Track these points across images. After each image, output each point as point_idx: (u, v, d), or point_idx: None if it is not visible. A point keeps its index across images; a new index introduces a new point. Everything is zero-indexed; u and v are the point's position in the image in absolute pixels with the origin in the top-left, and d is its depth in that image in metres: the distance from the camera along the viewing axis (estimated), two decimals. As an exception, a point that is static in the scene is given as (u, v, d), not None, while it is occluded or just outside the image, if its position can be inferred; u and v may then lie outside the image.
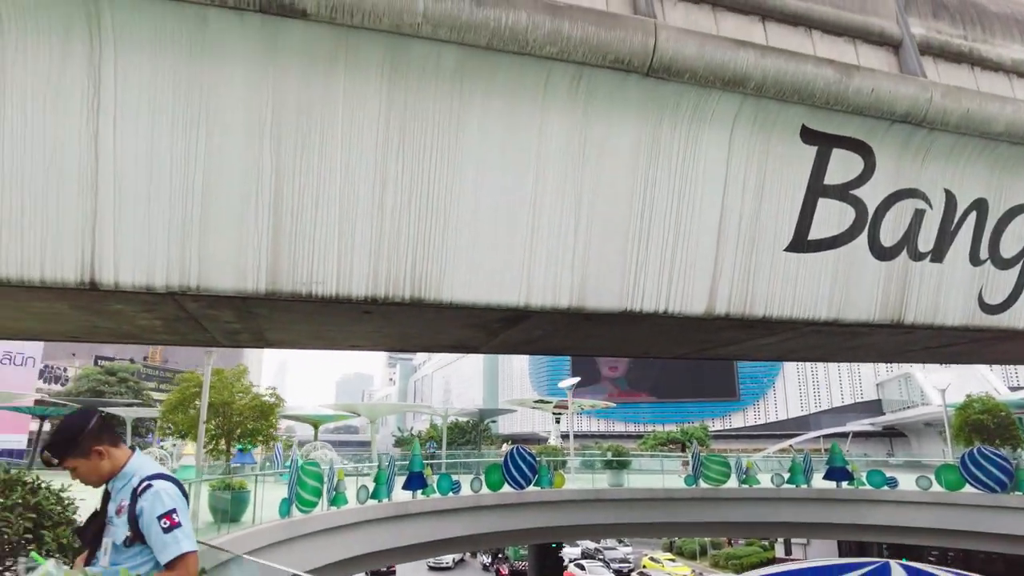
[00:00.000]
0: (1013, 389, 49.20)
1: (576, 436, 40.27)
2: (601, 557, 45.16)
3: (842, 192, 6.65)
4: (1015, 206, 7.29)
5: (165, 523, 2.39)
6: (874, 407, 66.20)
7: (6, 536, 2.65)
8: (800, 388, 71.90)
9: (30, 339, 7.94)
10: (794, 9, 6.51)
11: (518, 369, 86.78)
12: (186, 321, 6.37)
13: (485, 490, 19.30)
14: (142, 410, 35.89)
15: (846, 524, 22.34)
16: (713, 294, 6.29)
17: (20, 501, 2.89)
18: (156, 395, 47.21)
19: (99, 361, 54.63)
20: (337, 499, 15.04)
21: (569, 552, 41.51)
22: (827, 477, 22.15)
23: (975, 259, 7.25)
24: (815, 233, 6.62)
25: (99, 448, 2.54)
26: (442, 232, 5.46)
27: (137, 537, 2.40)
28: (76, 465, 2.44)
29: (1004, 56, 7.39)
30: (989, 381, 47.25)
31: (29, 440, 41.86)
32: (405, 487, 17.40)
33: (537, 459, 20.32)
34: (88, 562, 2.60)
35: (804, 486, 22.26)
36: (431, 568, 46.97)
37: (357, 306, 5.61)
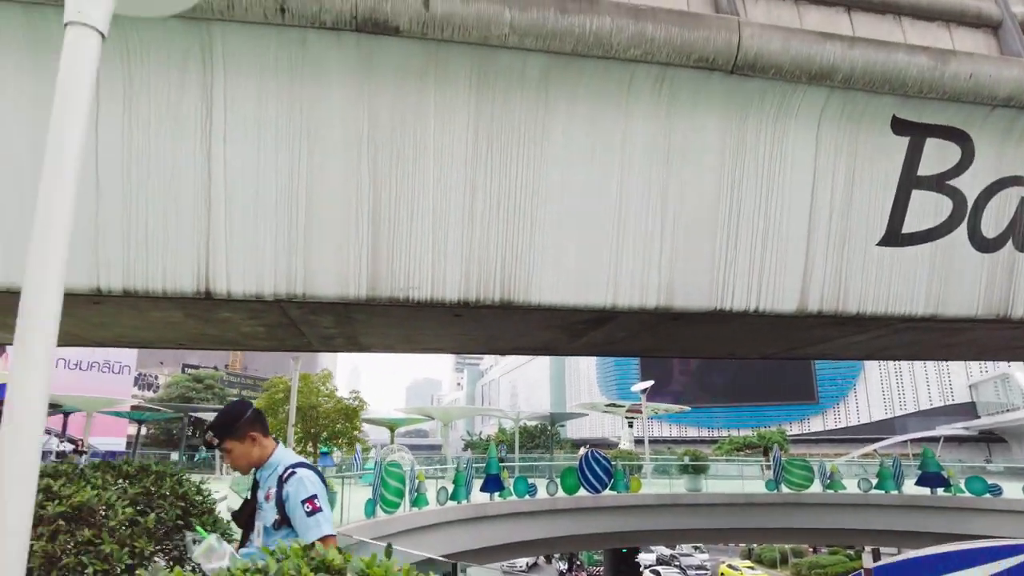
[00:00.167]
0: None
1: (648, 441, 39.78)
2: (677, 564, 44.29)
3: (938, 183, 6.40)
4: None
5: (308, 507, 2.59)
6: (966, 410, 62.36)
7: (163, 521, 2.88)
8: (883, 390, 68.45)
9: (146, 347, 8.53)
10: (882, -3, 6.34)
11: (585, 373, 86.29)
12: (287, 327, 6.73)
13: (561, 493, 19.33)
14: (229, 415, 37.73)
15: (943, 533, 21.16)
16: (805, 291, 6.17)
17: (169, 492, 3.15)
18: (240, 401, 49.47)
19: (186, 369, 57.77)
20: (418, 500, 15.41)
21: (644, 558, 40.95)
22: (920, 483, 21.06)
23: (1091, 248, 6.82)
24: (910, 226, 6.39)
25: (253, 434, 2.80)
26: (529, 236, 5.58)
27: (284, 520, 2.61)
28: (232, 447, 2.69)
29: (1116, 32, 6.94)
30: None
31: (127, 443, 44.70)
32: (483, 489, 17.64)
33: (612, 463, 20.19)
34: (243, 543, 2.86)
35: (894, 492, 21.25)
36: (505, 572, 47.28)
37: (450, 309, 5.80)
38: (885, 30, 6.43)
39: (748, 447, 45.34)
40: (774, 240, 5.99)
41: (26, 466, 2.08)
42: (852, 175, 6.22)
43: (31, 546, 2.67)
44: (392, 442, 31.48)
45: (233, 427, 2.74)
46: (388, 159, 5.32)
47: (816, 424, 70.90)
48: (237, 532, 2.91)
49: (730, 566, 43.45)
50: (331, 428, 18.93)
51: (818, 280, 6.21)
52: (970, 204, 6.45)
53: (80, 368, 43.00)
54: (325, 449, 20.06)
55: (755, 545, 44.28)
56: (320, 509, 2.61)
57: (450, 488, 16.92)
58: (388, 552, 1.34)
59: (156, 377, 55.06)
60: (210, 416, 37.21)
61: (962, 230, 6.49)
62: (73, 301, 5.63)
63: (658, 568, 41.68)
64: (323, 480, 2.81)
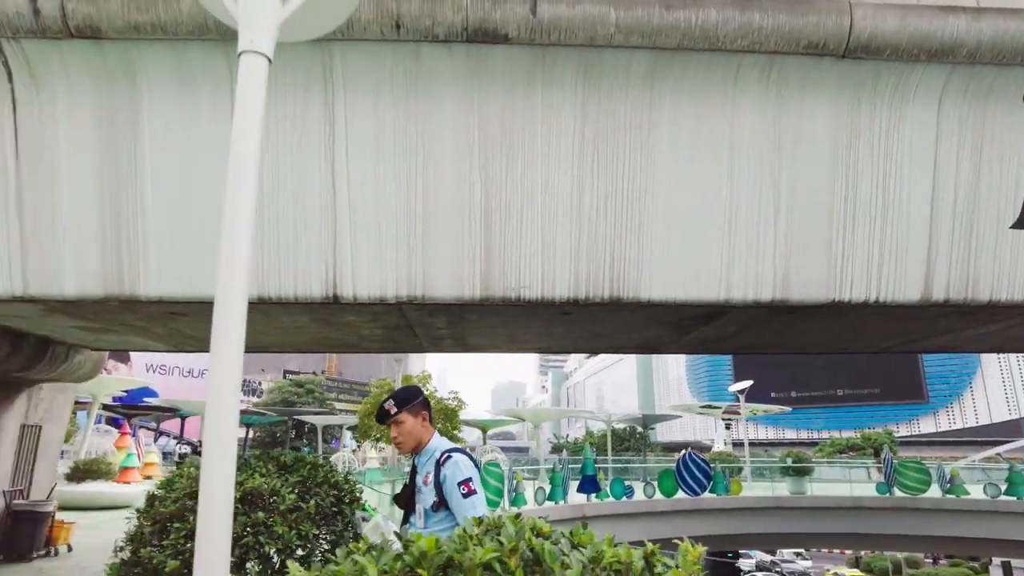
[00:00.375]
0: None
1: (741, 444, 38.45)
2: (778, 570, 42.57)
3: (1079, 158, 5.94)
4: None
5: (464, 489, 2.76)
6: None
7: (321, 508, 3.12)
8: (1006, 388, 63.09)
9: (272, 351, 9.12)
10: (1010, -37, 5.95)
11: (675, 374, 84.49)
12: (403, 329, 7.04)
13: (659, 496, 19.06)
14: (329, 418, 39.58)
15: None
16: (929, 279, 5.87)
17: (322, 480, 3.40)
18: (338, 404, 51.89)
19: (287, 375, 60.81)
20: (517, 499, 15.62)
21: (743, 563, 39.62)
22: (1058, 489, 19.36)
23: None
24: (1048, 206, 5.97)
25: (424, 414, 3.01)
26: (638, 232, 5.60)
27: (442, 503, 2.78)
28: (405, 420, 2.90)
29: None
30: None
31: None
32: (579, 490, 17.65)
33: (711, 465, 19.72)
34: (404, 524, 3.07)
35: (1027, 498, 19.63)
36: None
37: (559, 308, 5.91)
38: (1012, -2, 6.05)
39: (852, 449, 43.01)
40: (894, 227, 5.75)
41: (227, 448, 2.33)
42: (979, 154, 5.87)
43: (217, 525, 2.96)
44: (484, 443, 32.02)
45: (412, 402, 2.95)
46: (498, 164, 5.49)
47: (927, 425, 66.39)
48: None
49: (836, 575, 41.33)
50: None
51: (943, 267, 5.90)
52: (1116, 180, 5.95)
53: (192, 375, 46.18)
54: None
55: (864, 552, 41.96)
56: (475, 491, 2.76)
57: (547, 488, 17.04)
58: (584, 525, 1.44)
59: (259, 383, 58.36)
60: (313, 419, 39.03)
61: (1108, 208, 6.00)
62: (210, 308, 6.12)
63: (758, 575, 40.21)
64: (477, 465, 2.98)
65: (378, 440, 21.47)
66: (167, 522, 3.09)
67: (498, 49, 5.24)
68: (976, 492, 20.29)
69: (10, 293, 5.64)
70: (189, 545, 2.92)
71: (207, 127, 5.46)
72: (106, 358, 10.15)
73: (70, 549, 9.59)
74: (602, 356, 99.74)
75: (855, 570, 43.22)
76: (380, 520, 2.67)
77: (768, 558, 44.35)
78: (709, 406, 30.75)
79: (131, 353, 33.52)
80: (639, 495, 19.09)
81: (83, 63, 5.36)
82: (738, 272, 5.65)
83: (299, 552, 3.06)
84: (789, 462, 21.48)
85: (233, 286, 2.49)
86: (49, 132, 5.52)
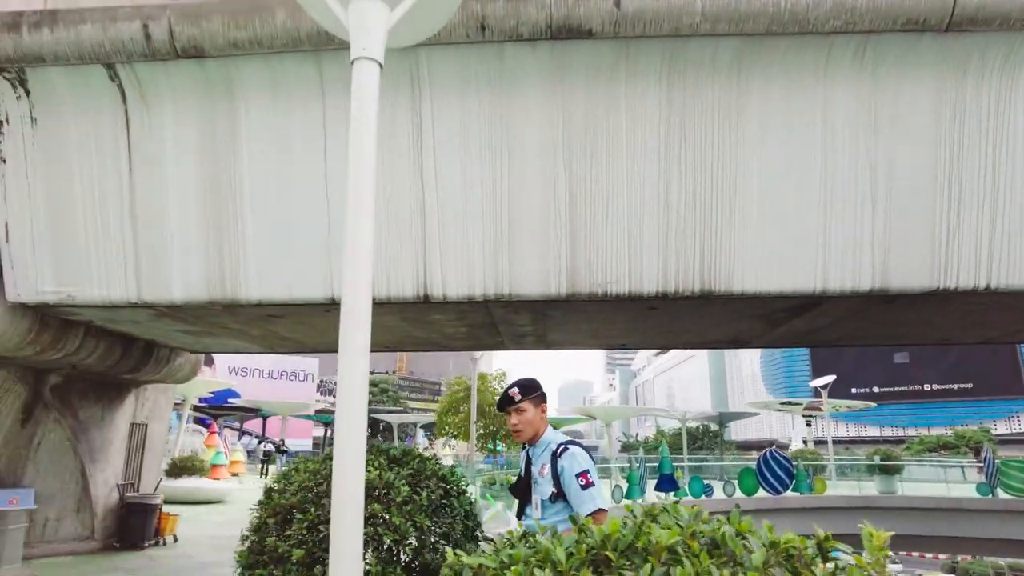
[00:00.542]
0: None
1: (822, 441, 36.93)
2: (866, 574, 40.63)
3: None
4: None
5: (582, 481, 2.77)
6: None
7: (432, 500, 3.19)
8: (1118, 380, 58.31)
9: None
10: None
11: (749, 371, 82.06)
12: (487, 327, 7.13)
13: (739, 494, 18.60)
14: (404, 416, 40.54)
15: None
16: (1047, 263, 5.49)
17: (431, 473, 3.48)
18: (410, 403, 53.05)
19: (361, 375, 62.53)
20: (594, 498, 15.58)
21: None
22: None
23: None
24: None
25: (543, 406, 3.05)
26: (728, 222, 5.48)
27: (560, 494, 2.81)
28: (527, 408, 2.94)
29: None
30: None
31: (313, 443, 49.30)
32: (657, 488, 17.41)
33: (794, 463, 19.08)
34: (519, 515, 3.12)
35: None
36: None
37: (646, 303, 5.84)
38: None
39: (944, 447, 40.68)
40: (1007, 207, 5.40)
41: (356, 444, 2.41)
42: (1101, 128, 5.46)
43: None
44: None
45: (535, 391, 3.00)
46: (582, 159, 5.48)
47: (1029, 421, 62.02)
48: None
49: (930, 580, 39.16)
50: (507, 426, 19.73)
51: (1063, 250, 5.51)
52: None
53: (272, 377, 48.02)
54: (490, 447, 20.80)
55: (961, 557, 39.62)
56: (593, 483, 2.77)
57: (624, 486, 16.89)
58: (739, 513, 1.42)
59: (334, 383, 60.37)
60: (388, 417, 40.01)
61: None
62: (309, 311, 6.36)
63: (844, 578, 38.48)
64: (592, 460, 3.00)
65: (455, 437, 21.86)
66: (288, 513, 3.23)
67: (581, 44, 5.23)
68: (1092, 494, 18.84)
69: (126, 299, 6.03)
70: (312, 535, 3.05)
71: (300, 136, 5.68)
72: (202, 361, 10.71)
73: (176, 539, 10.17)
74: (672, 353, 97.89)
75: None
76: (500, 509, 2.73)
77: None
78: (789, 402, 29.67)
79: (215, 356, 35.19)
80: (718, 493, 18.67)
81: (187, 81, 5.67)
82: (835, 261, 5.45)
83: (412, 542, 3.14)
84: (877, 460, 20.51)
85: (359, 286, 2.57)
86: (157, 147, 5.87)
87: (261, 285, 5.81)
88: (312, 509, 3.14)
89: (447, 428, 19.93)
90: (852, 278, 5.45)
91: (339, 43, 5.34)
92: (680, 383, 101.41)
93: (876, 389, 65.11)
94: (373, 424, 44.04)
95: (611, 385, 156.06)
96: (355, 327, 2.52)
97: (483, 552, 1.52)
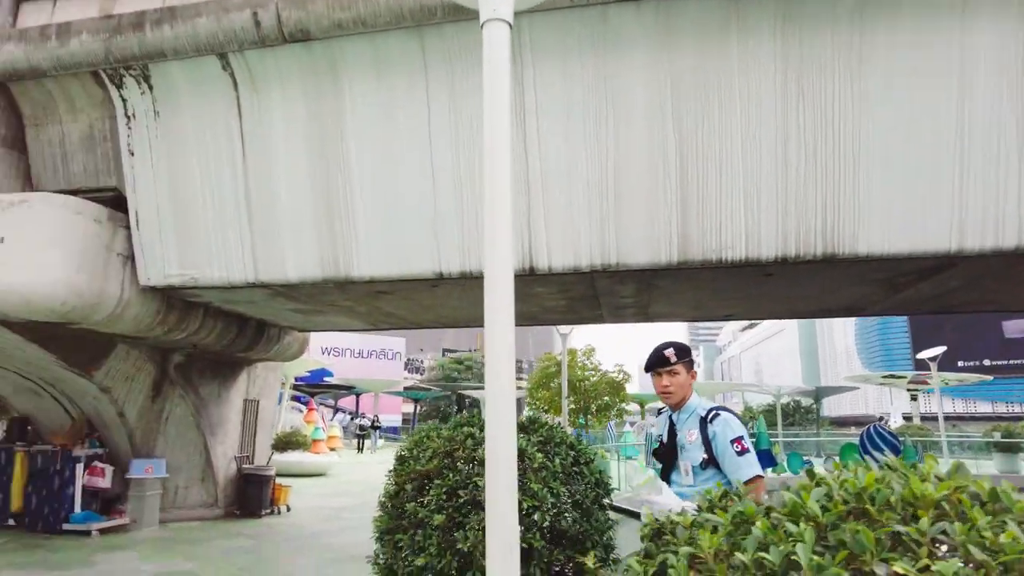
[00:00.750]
0: None
1: (928, 418, 34.75)
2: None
3: None
4: None
5: (737, 447, 2.68)
6: None
7: (565, 466, 3.15)
8: None
9: (456, 326, 9.54)
10: None
11: (842, 345, 78.43)
12: (588, 300, 7.05)
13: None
14: (489, 393, 41.21)
15: None
16: None
17: (560, 440, 3.45)
18: (494, 381, 53.59)
19: (445, 352, 64.00)
20: (689, 473, 15.33)
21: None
22: None
23: None
24: None
25: (693, 372, 2.97)
26: (852, 180, 5.14)
27: (712, 460, 2.73)
28: (679, 372, 2.87)
29: None
30: None
31: (403, 419, 50.96)
32: (754, 464, 16.93)
33: (900, 438, 18.07)
34: (664, 481, 3.07)
35: None
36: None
37: (762, 269, 5.59)
38: None
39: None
40: None
41: (507, 414, 2.40)
42: None
43: (474, 483, 3.10)
44: (643, 417, 31.73)
45: (688, 355, 2.92)
46: (692, 119, 5.26)
47: None
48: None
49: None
50: (598, 401, 19.61)
51: None
52: None
53: (363, 356, 49.76)
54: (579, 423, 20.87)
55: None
56: (748, 450, 2.67)
57: (719, 462, 16.54)
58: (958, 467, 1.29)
59: (421, 361, 62.08)
60: (475, 393, 40.81)
61: None
62: (416, 287, 6.47)
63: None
64: (744, 425, 2.90)
65: (546, 411, 22.03)
66: (425, 479, 3.29)
67: (689, 2, 4.99)
68: None
69: (244, 280, 6.32)
70: (451, 500, 3.09)
71: (404, 112, 5.73)
72: (309, 340, 11.17)
73: (288, 509, 10.73)
74: (760, 328, 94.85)
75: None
76: (653, 475, 2.67)
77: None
78: (893, 375, 28.07)
79: (309, 338, 36.70)
80: (818, 469, 17.93)
81: (294, 65, 5.82)
82: (973, 218, 5.01)
83: (549, 508, 3.13)
84: (997, 437, 19.11)
85: (499, 257, 2.52)
86: (267, 131, 6.07)
87: (372, 262, 5.94)
88: (450, 475, 3.17)
89: (538, 403, 20.07)
90: (994, 235, 5.00)
91: (441, 18, 5.33)
92: (768, 358, 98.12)
93: (987, 362, 60.79)
94: (459, 400, 44.98)
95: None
96: (498, 295, 2.48)
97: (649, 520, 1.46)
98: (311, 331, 10.71)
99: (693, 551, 1.10)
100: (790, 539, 0.98)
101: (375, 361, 49.69)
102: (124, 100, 6.34)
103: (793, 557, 0.93)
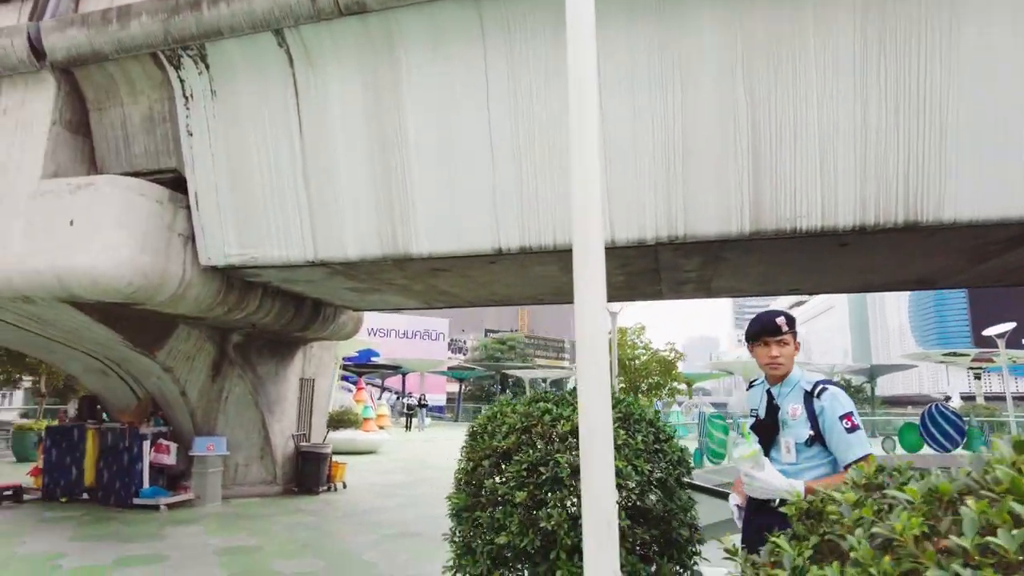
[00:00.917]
0: None
1: (991, 398, 33.37)
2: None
3: None
4: None
5: (847, 424, 2.51)
6: None
7: (647, 443, 3.02)
8: None
9: (507, 304, 9.45)
10: None
11: (895, 323, 76.05)
12: (648, 274, 6.86)
13: (900, 450, 17.29)
14: (535, 371, 41.41)
15: None
16: None
17: (640, 418, 3.33)
18: (537, 360, 54.02)
19: (487, 333, 64.27)
20: (742, 453, 15.06)
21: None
22: None
23: None
24: None
25: (797, 343, 2.81)
26: (938, 144, 4.82)
27: (817, 437, 2.57)
28: (789, 343, 2.70)
29: None
30: None
31: (448, 398, 51.53)
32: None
33: (964, 419, 17.40)
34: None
35: None
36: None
37: (837, 238, 5.32)
38: None
39: None
40: None
41: (601, 389, 2.28)
42: None
43: (555, 459, 3.00)
44: (690, 396, 31.35)
45: (794, 326, 2.75)
46: (765, 80, 5.00)
47: None
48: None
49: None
50: (649, 380, 19.32)
51: None
52: None
53: (407, 336, 50.37)
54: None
55: None
56: (858, 427, 2.50)
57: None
58: None
59: (464, 341, 62.54)
60: (520, 372, 40.94)
61: None
62: (473, 263, 6.38)
63: None
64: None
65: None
66: (503, 456, 3.21)
67: (763, -47, 4.71)
68: None
69: (304, 259, 6.32)
70: (531, 477, 3.00)
71: (461, 82, 5.60)
72: (363, 319, 11.24)
73: (345, 486, 10.90)
74: (809, 305, 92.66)
75: None
76: (758, 449, 2.52)
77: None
78: (955, 353, 26.96)
79: (363, 316, 37.18)
80: (876, 450, 17.43)
81: (350, 38, 5.73)
82: (1077, 179, 4.65)
83: (632, 486, 3.02)
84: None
85: (590, 228, 2.39)
86: (324, 107, 6.02)
87: (431, 238, 5.87)
88: (529, 451, 3.08)
89: (587, 382, 19.97)
90: (1100, 198, 4.64)
91: (498, -17, 5.16)
92: (817, 336, 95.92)
93: (1051, 338, 58.08)
94: (502, 379, 45.19)
95: (739, 340, 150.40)
96: (590, 267, 2.36)
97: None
98: (365, 310, 10.77)
99: (884, 532, 0.96)
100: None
101: (419, 342, 50.25)
102: (182, 81, 6.37)
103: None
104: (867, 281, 7.14)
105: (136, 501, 8.42)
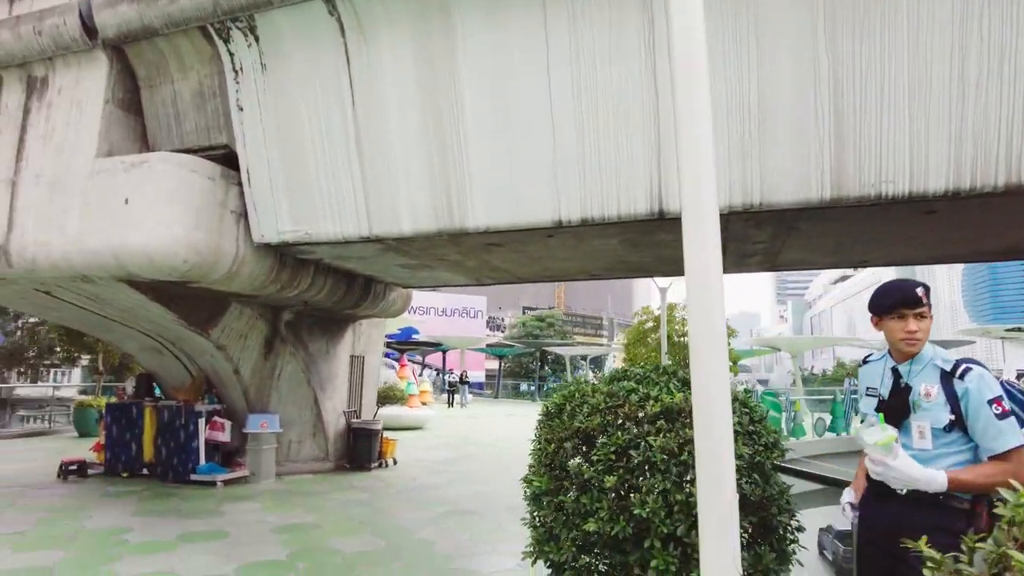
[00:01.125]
0: None
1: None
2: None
3: None
4: None
5: (997, 409, 2.24)
6: None
7: (743, 425, 2.80)
8: None
9: (561, 279, 9.20)
10: None
11: (946, 299, 73.47)
12: (713, 246, 6.55)
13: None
14: (574, 348, 41.24)
15: None
16: None
17: (732, 397, 3.10)
18: (575, 337, 53.83)
19: (525, 310, 64.21)
20: (796, 431, 14.66)
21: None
22: None
23: None
24: None
25: (931, 316, 2.51)
26: (1046, 99, 4.40)
27: (959, 423, 2.31)
28: (927, 315, 2.43)
29: None
30: None
31: (487, 375, 51.80)
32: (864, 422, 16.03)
33: (1031, 395, 16.63)
34: None
35: None
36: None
37: (924, 205, 4.95)
38: None
39: None
40: None
41: (719, 366, 2.06)
42: None
43: (647, 442, 2.80)
44: (736, 374, 30.79)
45: (930, 299, 2.48)
46: (849, 36, 4.63)
47: None
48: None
49: None
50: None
51: None
52: None
53: (446, 315, 50.65)
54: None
55: None
56: (1010, 412, 2.24)
57: (827, 420, 15.72)
58: None
59: (502, 319, 62.63)
60: (559, 350, 40.82)
61: None
62: (529, 238, 6.17)
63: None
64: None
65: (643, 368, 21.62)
66: (587, 437, 3.03)
67: None
68: None
69: (358, 234, 6.20)
70: (621, 461, 2.81)
71: (519, 49, 5.34)
72: (412, 296, 11.17)
73: (395, 462, 10.93)
74: (854, 280, 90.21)
75: None
76: (893, 433, 2.27)
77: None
78: (1018, 328, 25.73)
79: (412, 293, 37.49)
80: (935, 429, 16.81)
81: (402, 5, 5.52)
82: None
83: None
84: None
85: (702, 193, 2.16)
86: (377, 78, 5.84)
87: (488, 211, 5.67)
88: (618, 433, 2.89)
89: (635, 360, 19.56)
90: None
91: (559, -62, 4.87)
92: (862, 313, 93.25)
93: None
94: (542, 356, 45.15)
95: (782, 316, 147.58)
96: (701, 237, 2.14)
97: None
98: (415, 287, 10.68)
99: None
100: None
101: (458, 319, 50.50)
102: (232, 54, 6.25)
103: None
104: (948, 252, 6.70)
105: (193, 477, 8.54)
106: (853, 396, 16.68)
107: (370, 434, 10.26)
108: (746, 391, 14.48)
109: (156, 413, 9.01)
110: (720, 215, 5.12)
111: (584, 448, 3.04)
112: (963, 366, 2.33)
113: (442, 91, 5.64)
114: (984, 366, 2.39)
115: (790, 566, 2.88)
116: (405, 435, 15.68)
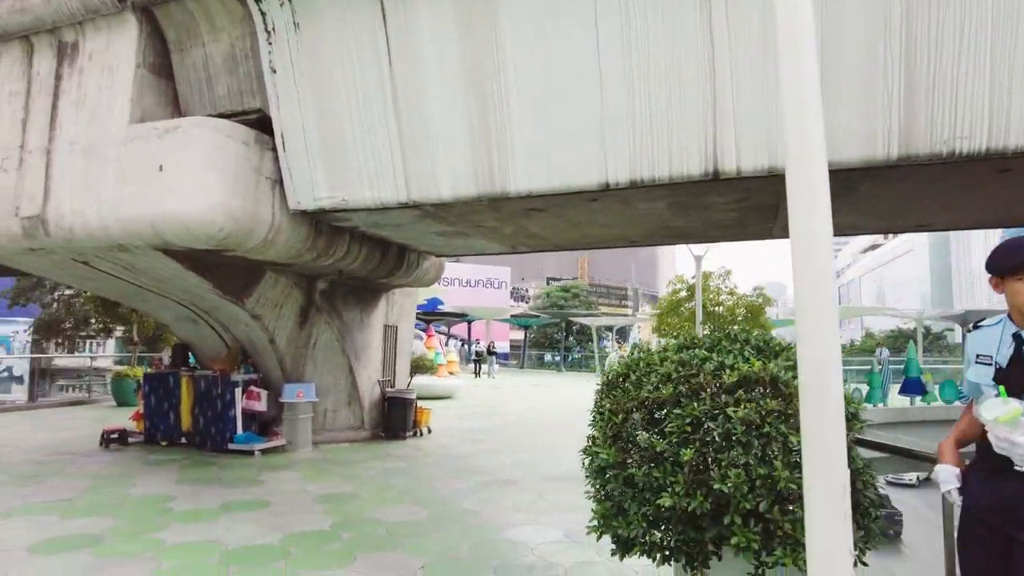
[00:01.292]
0: None
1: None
2: None
3: None
4: None
5: None
6: None
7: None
8: None
9: (599, 247, 9.00)
10: None
11: (980, 268, 71.70)
12: (763, 211, 6.29)
13: (1006, 399, 16.23)
14: (599, 319, 41.05)
15: None
16: None
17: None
18: (602, 307, 53.57)
19: (549, 281, 63.96)
20: (832, 401, 14.42)
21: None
22: None
23: None
24: None
25: None
26: None
27: None
28: None
29: None
30: None
31: (512, 345, 51.89)
32: (902, 392, 15.67)
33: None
34: None
35: None
36: (889, 483, 43.10)
37: (999, 163, 4.65)
38: None
39: None
40: None
41: (830, 335, 1.88)
42: None
43: (726, 414, 2.63)
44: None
45: None
46: (926, -21, 4.29)
47: None
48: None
49: None
50: (736, 325, 18.52)
51: None
52: None
53: (470, 285, 50.68)
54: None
55: None
56: None
57: (864, 390, 15.40)
58: None
59: (526, 290, 62.50)
60: (585, 320, 40.66)
61: None
62: (571, 202, 5.96)
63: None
64: None
65: (676, 338, 21.37)
66: (657, 407, 2.87)
67: None
68: None
69: (396, 200, 6.03)
70: (698, 434, 2.64)
71: (566, 13, 5.07)
72: (444, 266, 11.03)
73: (430, 431, 10.93)
74: (884, 249, 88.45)
75: None
76: (1018, 405, 2.07)
77: None
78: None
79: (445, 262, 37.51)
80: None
81: (441, -44, 5.26)
82: None
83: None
84: None
85: (809, 151, 1.94)
86: (415, 37, 5.61)
87: (530, 175, 5.46)
88: (693, 403, 2.72)
89: (668, 329, 19.32)
90: None
91: None
92: (892, 282, 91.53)
93: None
94: (567, 327, 45.04)
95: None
96: (809, 200, 1.94)
97: None
98: (449, 256, 10.54)
99: None
100: None
101: (482, 290, 50.53)
102: (263, 14, 6.06)
103: None
104: (1011, 214, 6.33)
105: (231, 446, 8.58)
106: (891, 366, 16.35)
107: (405, 403, 10.24)
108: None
109: (193, 383, 9.05)
110: (778, 174, 4.85)
111: (651, 419, 2.88)
112: None
113: (482, 47, 5.40)
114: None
115: (877, 545, 2.71)
116: (435, 404, 15.71)
